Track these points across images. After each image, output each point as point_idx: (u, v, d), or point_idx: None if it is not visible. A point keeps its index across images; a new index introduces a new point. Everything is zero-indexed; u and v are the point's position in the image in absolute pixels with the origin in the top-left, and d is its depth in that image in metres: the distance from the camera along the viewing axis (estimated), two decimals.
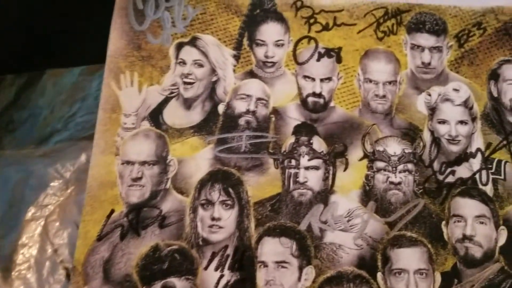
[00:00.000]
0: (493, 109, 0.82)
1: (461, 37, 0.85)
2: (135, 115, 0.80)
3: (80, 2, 0.83)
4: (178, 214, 0.76)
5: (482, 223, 0.75)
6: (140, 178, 0.77)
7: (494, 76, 0.83)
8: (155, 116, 0.81)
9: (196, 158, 0.79)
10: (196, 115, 0.81)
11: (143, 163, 0.78)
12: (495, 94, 0.82)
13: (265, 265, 0.74)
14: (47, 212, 0.76)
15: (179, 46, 0.84)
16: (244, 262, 0.74)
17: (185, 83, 0.82)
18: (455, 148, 0.80)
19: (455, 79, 0.83)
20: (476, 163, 0.79)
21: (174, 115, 0.81)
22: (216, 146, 0.80)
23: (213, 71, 0.83)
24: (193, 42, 0.84)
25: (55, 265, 0.74)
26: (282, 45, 0.85)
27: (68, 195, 0.77)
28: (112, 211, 0.76)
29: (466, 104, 0.81)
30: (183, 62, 0.83)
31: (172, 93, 0.82)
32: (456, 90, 0.82)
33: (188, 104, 0.82)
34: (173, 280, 0.72)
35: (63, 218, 0.75)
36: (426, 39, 0.85)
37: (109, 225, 0.75)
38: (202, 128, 0.80)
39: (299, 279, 0.73)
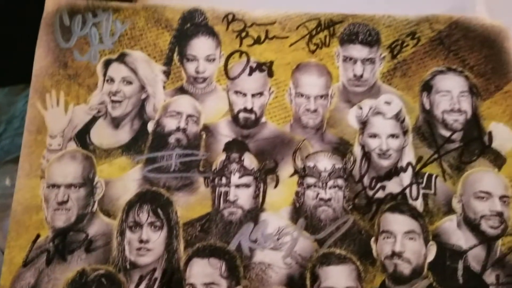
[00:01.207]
0: (425, 122, 0.81)
1: (394, 48, 0.84)
2: (61, 136, 0.78)
3: (4, 21, 0.80)
4: (105, 238, 0.75)
5: (411, 239, 0.75)
6: (66, 202, 0.76)
7: (427, 87, 0.82)
8: (82, 136, 0.79)
9: (124, 179, 0.77)
10: (124, 134, 0.79)
11: (69, 185, 0.76)
12: (427, 107, 0.81)
13: (193, 287, 0.72)
14: None
15: (107, 63, 0.82)
16: (172, 285, 0.74)
17: (113, 101, 0.80)
18: (385, 163, 0.79)
19: (387, 91, 0.82)
20: (406, 177, 0.78)
21: (102, 135, 0.79)
22: (145, 166, 0.78)
23: (143, 88, 0.81)
24: (121, 58, 0.82)
25: None
26: (214, 60, 0.84)
27: None
28: (38, 236, 0.74)
29: (397, 117, 0.81)
30: (111, 80, 0.81)
31: (99, 112, 0.80)
32: (387, 103, 0.81)
33: (116, 123, 0.80)
34: None
35: None
36: (358, 51, 0.84)
37: (35, 250, 0.74)
38: (130, 148, 0.79)
39: None
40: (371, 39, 0.84)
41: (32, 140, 0.78)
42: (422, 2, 0.89)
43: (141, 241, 0.75)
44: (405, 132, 0.80)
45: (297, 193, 0.78)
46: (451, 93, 0.82)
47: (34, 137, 0.78)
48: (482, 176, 0.78)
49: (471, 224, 0.76)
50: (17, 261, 0.73)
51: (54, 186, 0.76)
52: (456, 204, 0.77)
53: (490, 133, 0.80)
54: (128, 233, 0.75)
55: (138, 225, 0.75)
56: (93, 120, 0.80)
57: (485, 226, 0.76)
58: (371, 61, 0.84)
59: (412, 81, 0.83)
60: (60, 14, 0.84)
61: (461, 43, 0.84)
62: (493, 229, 0.75)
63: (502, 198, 0.76)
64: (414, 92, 0.82)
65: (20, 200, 0.76)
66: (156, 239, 0.75)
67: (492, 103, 0.81)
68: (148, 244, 0.75)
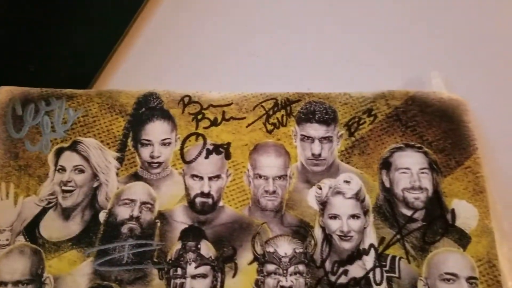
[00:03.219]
0: (385, 200, 0.77)
1: (351, 126, 0.82)
2: (9, 230, 0.74)
3: None
4: None
5: None
6: None
7: (386, 165, 0.79)
8: (31, 229, 0.75)
9: (74, 274, 0.73)
10: (75, 226, 0.75)
11: (16, 283, 0.72)
12: (387, 185, 0.78)
13: None
14: None
15: (59, 152, 0.79)
16: None
17: (63, 191, 0.77)
18: (347, 245, 0.75)
19: (346, 170, 0.79)
20: (369, 260, 0.74)
21: (51, 227, 0.75)
22: (96, 259, 0.74)
23: (95, 176, 0.77)
24: (73, 146, 0.79)
25: None
26: (169, 143, 0.81)
27: None
28: None
29: (357, 196, 0.77)
30: (63, 169, 0.78)
31: (49, 203, 0.76)
32: (347, 182, 0.78)
33: (66, 214, 0.76)
34: None
35: None
36: (315, 130, 0.82)
37: None
38: (81, 240, 0.75)
39: None
40: (328, 118, 0.82)
41: None
42: (378, 77, 0.87)
43: None
44: (365, 212, 0.77)
45: (256, 282, 0.74)
46: (411, 170, 0.79)
47: None
48: (447, 257, 0.74)
49: None
50: None
51: (1, 284, 0.71)
52: None
53: (453, 211, 0.76)
54: None
55: None
56: (43, 211, 0.76)
57: None
58: (329, 139, 0.81)
59: (371, 158, 0.80)
60: (13, 104, 0.81)
61: (418, 119, 0.82)
62: None
63: (469, 280, 0.73)
64: (373, 170, 0.79)
65: None
66: None
67: (454, 179, 0.78)
68: None
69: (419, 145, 0.81)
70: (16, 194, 0.77)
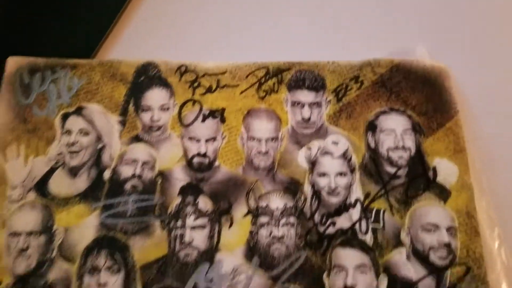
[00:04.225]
0: (371, 159, 0.88)
1: (339, 92, 0.93)
2: (21, 187, 0.85)
3: None
4: (64, 283, 0.80)
5: (362, 272, 0.81)
6: (26, 249, 0.81)
7: (371, 127, 0.90)
8: (41, 186, 0.85)
9: (82, 226, 0.83)
10: (81, 183, 0.86)
11: (29, 233, 0.82)
12: (372, 145, 0.89)
13: None
14: None
15: (65, 117, 0.89)
16: None
17: (70, 152, 0.87)
18: (335, 200, 0.86)
19: (334, 132, 0.90)
20: (355, 213, 0.85)
21: (60, 184, 0.86)
22: (102, 212, 0.85)
23: (99, 138, 0.89)
24: (78, 111, 0.90)
25: None
26: (168, 109, 0.92)
27: None
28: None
29: (344, 156, 0.88)
30: (69, 132, 0.89)
31: (57, 162, 0.87)
32: (335, 143, 0.89)
33: (73, 172, 0.87)
34: None
35: None
36: (305, 96, 0.93)
37: None
38: (88, 196, 0.85)
39: None
40: (317, 85, 0.93)
41: None
42: (365, 47, 0.99)
43: (99, 285, 0.80)
44: (352, 170, 0.88)
45: (251, 232, 0.84)
46: (395, 132, 0.90)
47: None
48: (429, 210, 0.85)
49: (420, 256, 0.82)
50: None
51: (15, 234, 0.82)
52: (404, 237, 0.83)
53: (434, 169, 0.87)
54: (86, 277, 0.81)
55: (96, 269, 0.81)
56: (52, 170, 0.87)
57: (433, 257, 0.82)
58: (318, 104, 0.92)
59: (357, 122, 0.91)
60: (20, 73, 0.92)
61: (402, 85, 0.93)
62: (441, 260, 0.82)
63: (449, 229, 0.83)
64: (360, 132, 0.90)
65: None
66: (114, 282, 0.80)
67: (435, 139, 0.89)
68: (106, 287, 0.80)
69: (403, 109, 0.92)
70: (26, 154, 0.88)
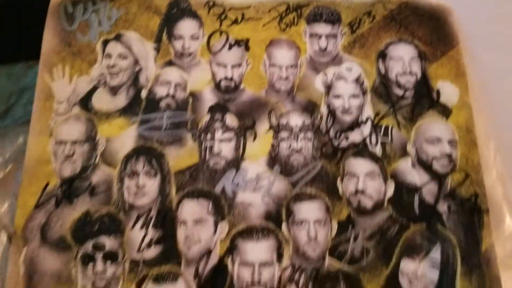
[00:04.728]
0: (381, 83, 1.01)
1: (353, 25, 1.05)
2: (66, 102, 0.97)
3: (15, 8, 1.01)
4: (106, 184, 0.93)
5: (372, 178, 0.93)
6: (71, 155, 0.94)
7: (382, 55, 1.03)
8: (85, 102, 0.98)
9: (122, 137, 0.96)
10: (121, 100, 0.99)
11: (74, 142, 0.94)
12: (382, 71, 1.02)
13: (184, 223, 0.90)
14: None
15: (105, 42, 1.02)
16: (166, 221, 0.90)
17: (110, 73, 1.00)
18: (348, 118, 0.98)
19: (348, 60, 1.03)
20: (366, 129, 0.98)
21: (101, 101, 0.98)
22: (140, 126, 0.97)
23: (136, 62, 1.01)
24: (117, 38, 1.02)
25: None
26: (197, 38, 1.04)
27: (8, 172, 0.94)
28: (47, 184, 0.92)
29: (357, 80, 1.01)
30: (109, 56, 1.01)
31: (99, 82, 0.99)
32: (348, 69, 1.02)
33: (114, 91, 0.99)
34: (103, 239, 0.88)
35: (3, 191, 0.92)
36: (322, 28, 1.05)
37: (45, 195, 0.91)
38: (127, 111, 0.98)
39: (215, 233, 0.89)
40: (333, 18, 1.06)
41: (41, 105, 0.97)
42: None
43: (137, 187, 0.92)
44: (364, 92, 1.00)
45: (272, 145, 0.97)
46: (403, 59, 1.02)
47: (43, 103, 0.97)
48: (432, 125, 0.97)
49: (424, 165, 0.95)
50: (29, 204, 0.91)
51: (61, 142, 0.94)
52: (410, 149, 0.96)
53: (438, 91, 1.00)
54: (126, 180, 0.93)
55: (135, 173, 0.93)
56: (94, 88, 0.99)
57: (436, 165, 0.94)
58: (334, 36, 1.05)
59: (369, 51, 1.03)
60: (64, 4, 1.05)
61: (410, 19, 1.06)
62: (443, 168, 0.94)
63: (450, 142, 0.96)
64: (371, 60, 1.03)
65: (31, 155, 0.94)
66: (151, 185, 0.93)
67: (439, 65, 1.02)
68: (144, 189, 0.92)
69: (410, 39, 1.04)
70: (71, 74, 1.00)
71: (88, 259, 0.86)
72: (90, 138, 0.94)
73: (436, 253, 0.86)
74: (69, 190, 0.91)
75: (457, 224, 0.89)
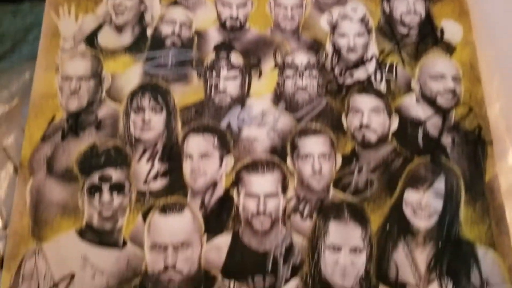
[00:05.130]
0: (386, 22, 1.02)
1: None
2: (72, 39, 0.99)
3: None
4: (112, 119, 0.94)
5: (376, 113, 0.95)
6: (78, 90, 0.95)
7: None
8: (91, 39, 1.00)
9: (128, 73, 0.98)
10: (127, 38, 1.00)
11: (80, 78, 0.96)
12: (387, 11, 1.03)
13: (190, 157, 0.91)
14: None
15: None
16: (172, 155, 0.92)
17: (116, 12, 1.01)
18: (353, 56, 1.00)
19: (353, 0, 1.04)
20: (371, 66, 0.99)
21: (107, 38, 1.00)
22: (145, 63, 0.99)
23: (142, 1, 1.03)
24: None
25: (4, 162, 0.91)
26: None
27: (14, 106, 0.95)
28: (54, 117, 0.94)
29: (362, 20, 1.02)
30: None
31: (105, 20, 1.01)
32: (354, 9, 1.03)
33: (119, 29, 1.01)
34: (109, 171, 0.89)
35: (10, 124, 0.93)
36: None
37: (51, 128, 0.93)
38: (132, 48, 1.00)
39: (220, 166, 0.91)
40: None
41: (48, 42, 0.99)
42: None
43: (143, 121, 0.94)
44: (369, 31, 1.02)
45: (277, 83, 0.98)
46: None
47: (49, 40, 0.99)
48: (436, 61, 0.99)
49: (428, 100, 0.96)
50: (36, 137, 0.92)
51: (67, 78, 0.96)
52: (414, 85, 0.97)
53: (441, 29, 1.01)
54: (132, 115, 0.94)
55: (141, 109, 0.95)
56: (100, 26, 1.01)
57: (440, 100, 0.96)
58: None
59: None
60: None
61: None
62: (447, 103, 0.96)
63: (454, 78, 0.97)
64: (376, 0, 1.04)
65: (38, 89, 0.95)
66: (157, 120, 0.94)
67: (443, 4, 1.03)
68: (150, 123, 0.94)
69: None
70: (77, 12, 1.02)
71: (94, 190, 0.87)
72: (96, 74, 0.96)
73: (440, 184, 0.87)
74: (75, 123, 0.92)
75: (461, 155, 0.90)
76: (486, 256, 0.83)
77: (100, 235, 0.85)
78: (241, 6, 1.03)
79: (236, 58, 0.98)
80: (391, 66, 0.98)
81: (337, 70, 0.98)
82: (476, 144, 0.90)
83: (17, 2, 1.03)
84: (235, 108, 0.94)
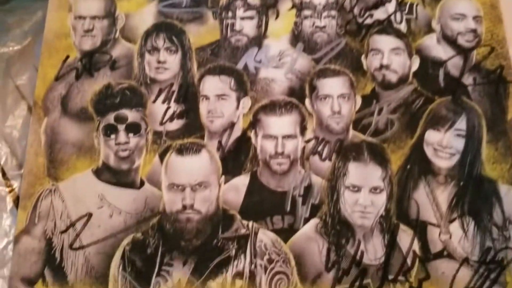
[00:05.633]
0: None
1: None
2: None
3: None
4: (127, 59, 0.93)
5: (397, 54, 0.94)
6: (91, 30, 0.94)
7: None
8: None
9: (142, 13, 0.96)
10: None
11: (93, 17, 0.95)
12: None
13: (207, 98, 0.91)
14: (6, 57, 0.93)
15: None
16: (188, 96, 0.91)
17: None
18: None
19: None
20: (391, 6, 0.98)
21: None
22: (160, 2, 0.97)
23: None
24: None
25: (17, 101, 0.90)
26: None
27: (27, 44, 0.94)
28: (67, 57, 0.92)
29: None
30: None
31: None
32: None
33: None
34: (125, 111, 0.89)
35: (23, 64, 0.92)
36: None
37: (65, 68, 0.92)
38: None
39: (237, 107, 0.90)
40: None
41: None
42: None
43: (158, 62, 0.93)
44: None
45: (295, 23, 0.97)
46: None
47: None
48: (457, 2, 0.97)
49: (449, 40, 0.95)
50: (49, 76, 0.92)
51: (81, 17, 0.95)
52: (435, 25, 0.96)
53: None
54: (147, 56, 0.93)
55: (155, 49, 0.94)
56: None
57: (461, 40, 0.95)
58: None
59: None
60: None
61: None
62: (468, 43, 0.94)
63: (475, 18, 0.96)
64: None
65: (51, 29, 0.94)
66: (172, 60, 0.93)
67: None
68: (165, 64, 0.93)
69: None
70: None
71: (110, 130, 0.86)
72: (110, 14, 0.95)
73: (461, 124, 0.87)
74: (90, 63, 0.92)
75: (483, 95, 0.90)
76: (508, 194, 0.82)
77: (117, 175, 0.84)
78: None
79: None
80: (411, 6, 0.97)
81: (356, 10, 0.97)
82: (497, 84, 0.90)
83: None
84: (252, 49, 0.93)
